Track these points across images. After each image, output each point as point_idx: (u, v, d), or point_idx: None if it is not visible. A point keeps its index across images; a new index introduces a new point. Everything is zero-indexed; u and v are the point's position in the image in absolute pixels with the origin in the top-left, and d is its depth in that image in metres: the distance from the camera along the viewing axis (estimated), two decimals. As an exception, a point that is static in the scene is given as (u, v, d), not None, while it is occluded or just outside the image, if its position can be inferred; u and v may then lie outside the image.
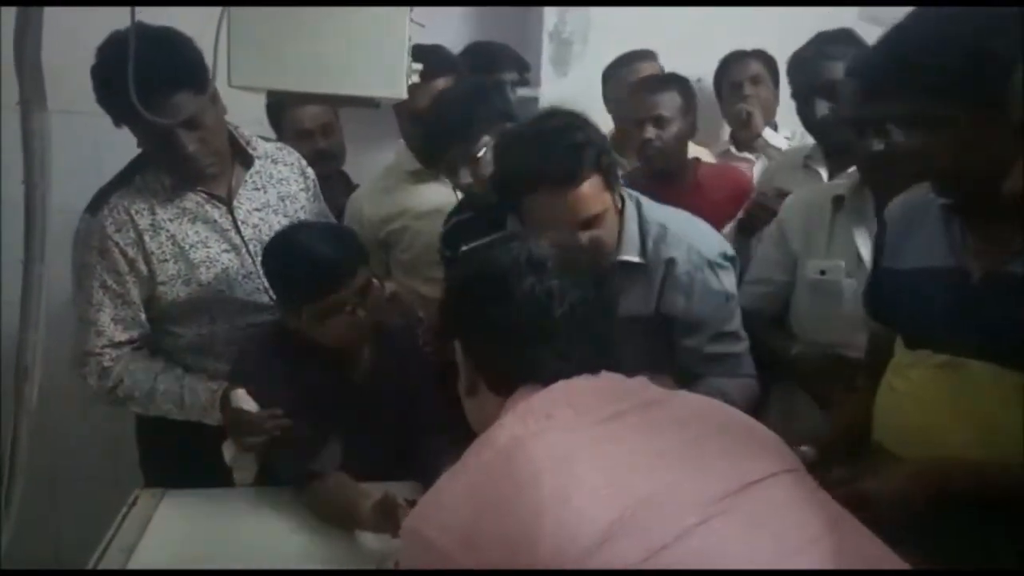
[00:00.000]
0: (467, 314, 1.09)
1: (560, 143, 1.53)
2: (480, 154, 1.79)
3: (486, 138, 1.79)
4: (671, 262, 1.66)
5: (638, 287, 1.67)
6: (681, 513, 0.85)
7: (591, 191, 1.54)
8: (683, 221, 1.74)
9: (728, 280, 1.72)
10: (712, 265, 1.69)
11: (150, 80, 1.49)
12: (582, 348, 1.03)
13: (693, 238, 1.70)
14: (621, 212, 1.67)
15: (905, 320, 1.30)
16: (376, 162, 2.46)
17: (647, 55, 2.65)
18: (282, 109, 2.35)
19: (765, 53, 2.63)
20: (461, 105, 1.83)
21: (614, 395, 1.00)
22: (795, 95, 2.15)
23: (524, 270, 1.03)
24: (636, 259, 1.66)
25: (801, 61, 2.13)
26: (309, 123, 2.35)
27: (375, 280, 1.70)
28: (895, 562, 0.91)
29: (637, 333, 1.59)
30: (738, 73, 2.63)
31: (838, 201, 1.81)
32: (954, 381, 1.23)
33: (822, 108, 2.05)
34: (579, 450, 0.90)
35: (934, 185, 1.27)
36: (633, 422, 0.96)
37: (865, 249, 1.72)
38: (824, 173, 2.15)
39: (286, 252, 1.63)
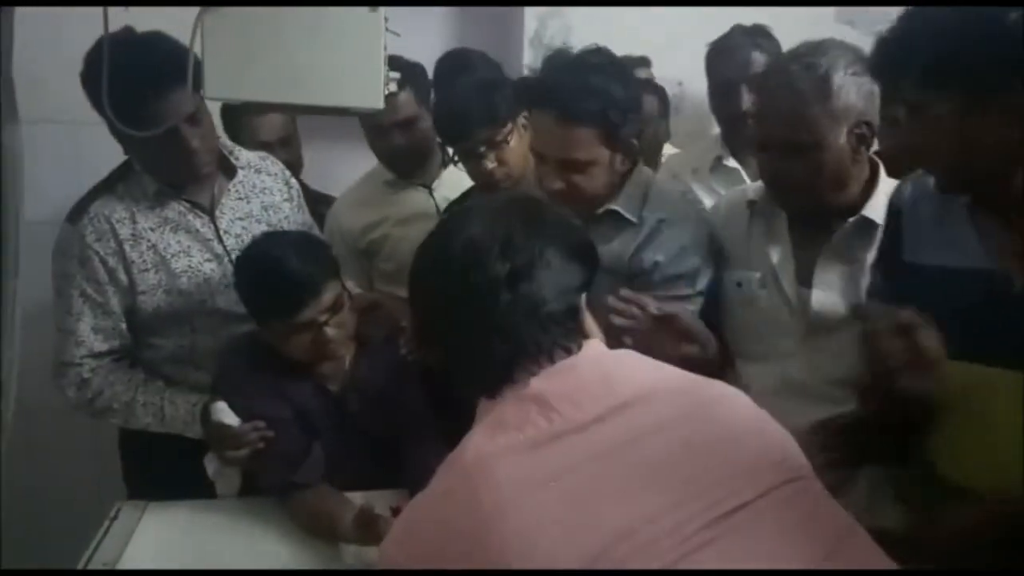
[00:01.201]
0: (422, 309, 1.02)
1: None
2: (504, 139, 1.83)
3: (509, 125, 1.83)
4: (660, 221, 1.64)
5: (616, 242, 1.64)
6: (659, 548, 0.79)
7: (580, 138, 1.55)
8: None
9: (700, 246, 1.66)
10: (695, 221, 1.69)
11: (148, 80, 1.51)
12: (542, 333, 0.94)
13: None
14: (628, 174, 1.68)
15: (930, 321, 1.17)
16: (337, 170, 2.45)
17: (641, 61, 2.66)
18: (238, 119, 2.30)
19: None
20: (486, 91, 1.84)
21: (591, 397, 0.91)
22: (716, 88, 2.14)
23: (465, 260, 0.94)
24: (626, 214, 1.65)
25: (725, 51, 2.13)
26: (267, 135, 2.30)
27: (348, 291, 1.68)
28: None
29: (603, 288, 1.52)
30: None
31: (751, 205, 1.67)
32: (983, 386, 1.17)
33: (747, 101, 2.06)
34: (547, 475, 0.84)
35: (937, 180, 1.26)
36: (608, 433, 0.88)
37: (777, 257, 1.59)
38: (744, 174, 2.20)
39: (254, 267, 1.61)
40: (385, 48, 1.25)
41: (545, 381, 0.93)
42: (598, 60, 1.61)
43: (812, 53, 1.44)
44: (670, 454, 0.87)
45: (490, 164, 1.83)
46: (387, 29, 1.25)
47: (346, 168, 2.36)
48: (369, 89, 1.25)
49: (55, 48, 1.78)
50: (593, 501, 0.82)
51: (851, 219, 1.51)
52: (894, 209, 1.39)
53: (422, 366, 1.74)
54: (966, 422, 1.20)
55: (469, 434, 0.93)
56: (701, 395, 0.97)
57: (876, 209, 1.48)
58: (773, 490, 0.87)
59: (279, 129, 2.34)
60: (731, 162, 2.29)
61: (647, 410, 0.91)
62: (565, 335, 0.96)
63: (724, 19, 2.62)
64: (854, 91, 1.41)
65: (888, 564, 0.88)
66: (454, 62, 2.21)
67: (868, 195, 1.51)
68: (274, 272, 1.55)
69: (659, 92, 2.50)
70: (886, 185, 1.50)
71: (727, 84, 2.22)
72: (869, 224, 1.49)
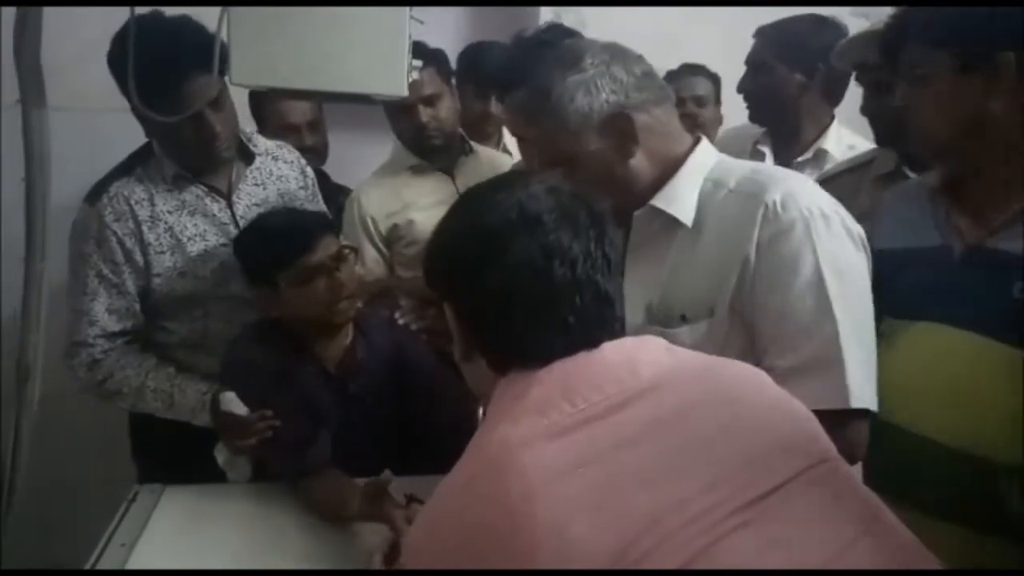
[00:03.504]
0: (457, 278, 0.97)
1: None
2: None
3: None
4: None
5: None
6: (689, 535, 0.77)
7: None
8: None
9: None
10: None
11: (175, 63, 1.52)
12: (583, 315, 0.91)
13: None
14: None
15: (891, 294, 1.31)
16: (357, 161, 2.46)
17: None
18: (266, 101, 2.31)
19: (708, 70, 2.65)
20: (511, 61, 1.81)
21: (615, 380, 0.89)
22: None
23: (516, 227, 0.91)
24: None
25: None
26: (296, 118, 2.32)
27: (353, 250, 1.74)
28: (931, 562, 0.86)
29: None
30: (682, 88, 2.54)
31: None
32: (931, 345, 1.30)
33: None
34: (574, 462, 0.81)
35: (912, 151, 1.39)
36: (635, 418, 0.86)
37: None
38: (770, 155, 2.20)
39: (257, 226, 1.70)
40: (410, 36, 1.26)
41: (569, 364, 0.90)
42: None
43: (539, 69, 1.30)
44: (697, 438, 0.85)
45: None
46: (412, 17, 1.25)
47: (366, 159, 2.36)
48: (393, 76, 1.25)
49: (71, 36, 1.78)
50: (621, 488, 0.80)
51: (636, 212, 1.30)
52: (875, 211, 1.48)
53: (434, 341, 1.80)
54: (931, 379, 1.28)
55: (489, 418, 0.91)
56: (724, 376, 0.95)
57: (668, 199, 1.27)
58: (804, 472, 0.85)
59: (306, 113, 2.34)
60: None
61: (672, 394, 0.89)
62: (604, 316, 0.94)
63: (737, 14, 2.63)
64: (580, 93, 1.24)
65: (918, 546, 0.86)
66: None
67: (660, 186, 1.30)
68: (276, 223, 1.67)
69: (713, 78, 2.58)
70: (689, 177, 1.29)
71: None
72: (660, 214, 1.28)
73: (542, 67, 1.27)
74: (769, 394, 0.95)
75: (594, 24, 2.78)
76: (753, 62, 2.22)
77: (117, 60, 1.57)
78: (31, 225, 1.15)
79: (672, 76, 2.52)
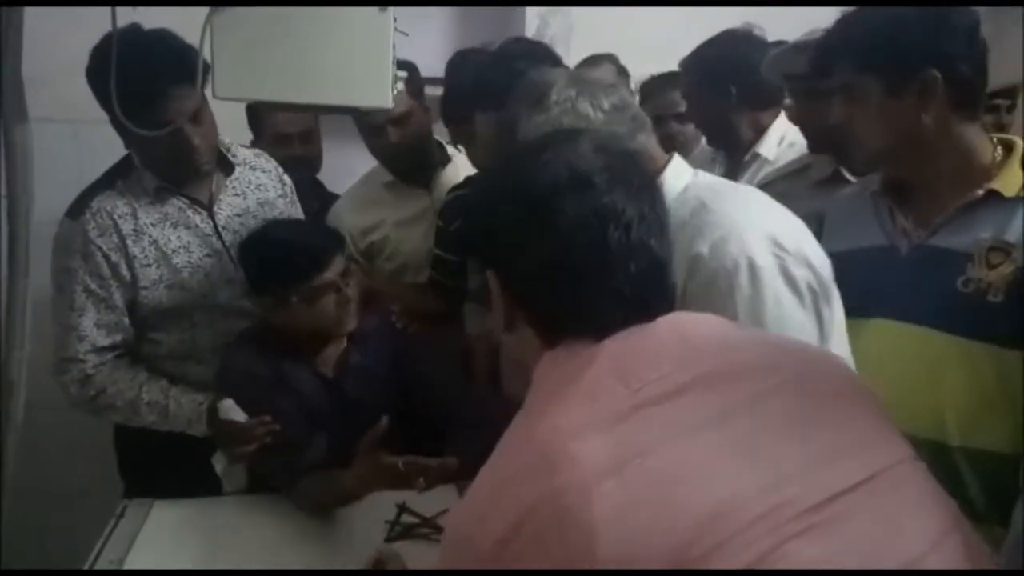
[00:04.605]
0: (503, 245, 0.90)
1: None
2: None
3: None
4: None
5: None
6: (756, 534, 0.71)
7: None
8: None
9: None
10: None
11: (155, 77, 1.52)
12: (639, 283, 0.84)
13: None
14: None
15: (841, 294, 1.34)
16: (353, 168, 2.45)
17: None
18: (261, 112, 2.32)
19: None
20: (488, 72, 1.77)
21: (672, 358, 0.81)
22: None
23: (567, 189, 0.84)
24: None
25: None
26: (289, 127, 2.33)
27: (356, 265, 1.78)
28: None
29: None
30: (663, 107, 2.43)
31: None
32: (883, 340, 1.39)
33: None
34: (631, 452, 0.74)
35: (853, 159, 1.51)
36: (695, 403, 0.78)
37: None
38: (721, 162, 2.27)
39: (271, 241, 1.69)
40: (394, 48, 1.25)
41: (622, 341, 0.82)
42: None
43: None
44: (767, 428, 0.77)
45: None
46: (396, 29, 1.25)
47: (361, 168, 2.36)
48: (378, 88, 1.25)
49: (53, 47, 1.77)
50: (682, 481, 0.73)
51: None
52: (818, 218, 1.52)
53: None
54: (885, 372, 1.30)
55: (537, 397, 0.84)
56: (798, 360, 0.86)
57: None
58: (887, 470, 0.78)
59: (301, 123, 2.35)
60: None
61: (737, 378, 0.81)
62: (658, 284, 0.87)
63: (727, 16, 2.62)
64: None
65: (990, 555, 0.82)
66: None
67: None
68: (294, 239, 1.67)
69: None
70: None
71: None
72: None
73: (509, 99, 1.25)
74: (848, 384, 0.87)
75: (583, 24, 2.79)
76: (682, 94, 2.29)
77: (96, 73, 1.56)
78: (13, 241, 1.14)
79: (652, 89, 2.49)
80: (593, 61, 2.59)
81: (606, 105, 1.23)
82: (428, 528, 1.54)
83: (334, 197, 2.47)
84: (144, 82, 1.47)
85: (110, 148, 1.71)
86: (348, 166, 2.49)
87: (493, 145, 1.29)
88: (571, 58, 2.79)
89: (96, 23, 1.32)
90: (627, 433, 0.75)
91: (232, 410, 1.64)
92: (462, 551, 0.79)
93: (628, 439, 0.75)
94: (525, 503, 0.74)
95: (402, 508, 1.56)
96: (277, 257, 1.65)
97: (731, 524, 0.71)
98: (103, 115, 1.53)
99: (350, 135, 2.21)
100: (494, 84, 1.43)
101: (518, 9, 2.85)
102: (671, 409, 0.77)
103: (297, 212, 2.00)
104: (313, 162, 2.43)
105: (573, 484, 0.72)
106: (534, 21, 2.80)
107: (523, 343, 0.90)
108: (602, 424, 0.76)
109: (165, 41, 1.57)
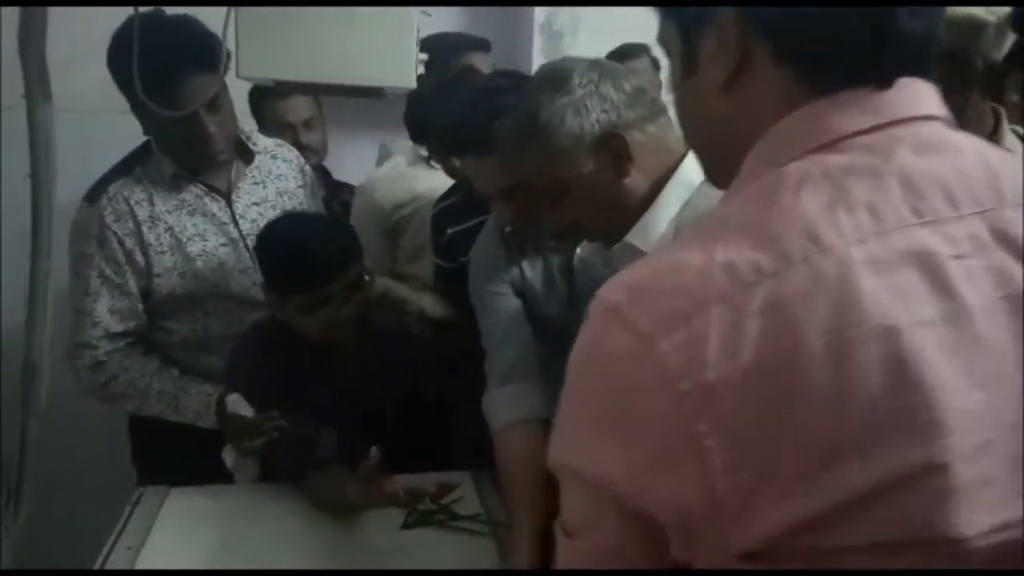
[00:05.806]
0: None
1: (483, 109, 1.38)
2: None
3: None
4: None
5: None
6: None
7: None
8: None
9: None
10: None
11: (173, 61, 1.52)
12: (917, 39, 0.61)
13: None
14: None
15: None
16: (358, 156, 2.45)
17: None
18: (264, 100, 2.32)
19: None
20: (449, 90, 1.79)
21: (971, 194, 0.58)
22: None
23: None
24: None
25: None
26: (291, 116, 2.32)
27: (366, 276, 1.69)
28: None
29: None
30: None
31: None
32: None
33: None
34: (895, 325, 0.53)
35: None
36: (987, 268, 0.56)
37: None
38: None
39: (284, 240, 1.61)
40: (417, 28, 1.25)
41: (917, 157, 0.59)
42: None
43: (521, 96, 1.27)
44: None
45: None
46: (420, 10, 1.25)
47: (366, 156, 2.35)
48: (402, 68, 1.25)
49: (66, 37, 1.76)
50: (989, 352, 0.55)
51: (614, 247, 1.30)
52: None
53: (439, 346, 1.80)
54: None
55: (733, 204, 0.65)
56: None
57: (642, 233, 1.24)
58: None
59: (305, 111, 2.34)
60: None
61: None
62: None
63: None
64: (570, 115, 1.20)
65: None
66: None
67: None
68: (307, 244, 1.57)
69: None
70: (666, 208, 1.24)
71: None
72: (635, 249, 1.25)
73: (525, 95, 1.23)
74: None
75: (590, 15, 2.78)
76: None
77: (117, 57, 1.56)
78: (37, 222, 1.14)
79: None
80: (628, 51, 2.59)
81: (628, 88, 1.23)
82: (444, 515, 1.53)
83: (340, 185, 2.47)
84: (163, 64, 1.47)
85: (119, 138, 1.72)
86: (354, 153, 2.49)
87: (511, 149, 1.26)
88: (578, 49, 2.80)
89: (108, 13, 1.32)
90: (869, 303, 0.54)
91: (239, 404, 1.62)
92: (583, 491, 0.62)
93: (874, 308, 0.54)
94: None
95: (411, 494, 1.55)
96: (288, 259, 1.60)
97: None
98: (113, 105, 1.53)
99: (354, 123, 2.21)
100: (476, 131, 1.38)
101: (526, 8, 2.85)
102: (961, 267, 0.56)
103: (317, 203, 1.99)
104: (317, 150, 2.42)
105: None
106: (542, 12, 2.80)
107: (749, 104, 0.66)
108: (875, 260, 0.55)
109: (187, 25, 1.58)
